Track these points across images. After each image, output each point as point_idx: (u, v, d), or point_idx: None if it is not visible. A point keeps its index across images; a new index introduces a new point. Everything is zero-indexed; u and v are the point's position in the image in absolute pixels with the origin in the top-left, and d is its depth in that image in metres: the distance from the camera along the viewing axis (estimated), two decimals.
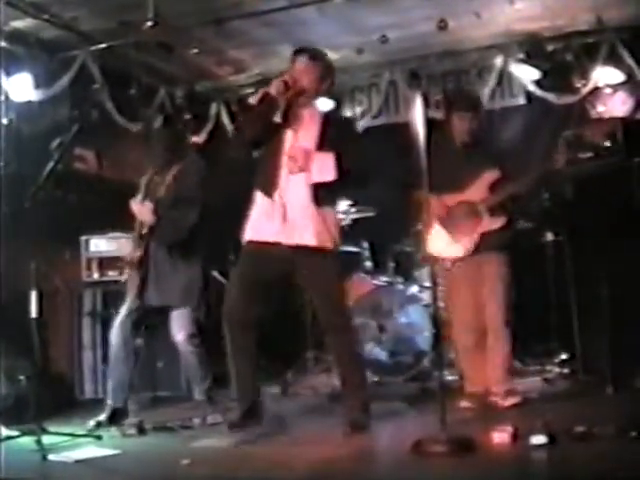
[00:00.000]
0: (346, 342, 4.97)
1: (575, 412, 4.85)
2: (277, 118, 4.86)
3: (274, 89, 4.77)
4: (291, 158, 4.76)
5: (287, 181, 4.78)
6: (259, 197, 4.90)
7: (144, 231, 5.56)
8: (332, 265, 4.94)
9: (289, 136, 4.87)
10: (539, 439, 4.02)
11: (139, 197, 5.61)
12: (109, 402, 5.51)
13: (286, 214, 4.76)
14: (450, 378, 6.19)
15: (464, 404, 5.36)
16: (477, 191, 5.39)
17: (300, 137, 4.85)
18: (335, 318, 4.92)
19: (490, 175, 5.37)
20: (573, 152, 5.49)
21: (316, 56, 5.01)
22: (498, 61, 7.74)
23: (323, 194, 4.81)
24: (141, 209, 5.53)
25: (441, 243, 5.46)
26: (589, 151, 5.60)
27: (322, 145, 4.82)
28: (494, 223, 5.35)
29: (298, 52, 5.02)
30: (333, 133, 4.88)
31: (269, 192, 4.81)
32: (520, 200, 5.48)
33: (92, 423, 5.35)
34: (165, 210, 5.49)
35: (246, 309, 4.84)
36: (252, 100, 4.90)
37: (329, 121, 4.96)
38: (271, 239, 4.80)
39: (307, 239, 4.76)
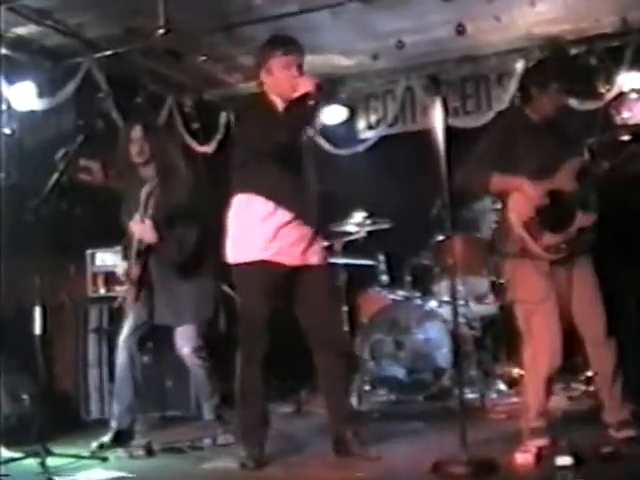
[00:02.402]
0: (342, 365, 4.89)
1: (601, 432, 4.81)
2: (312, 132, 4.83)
3: (315, 90, 4.49)
4: None
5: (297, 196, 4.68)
6: (264, 207, 4.67)
7: (142, 247, 5.53)
8: (331, 279, 4.92)
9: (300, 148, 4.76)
10: (564, 460, 3.99)
11: (137, 215, 5.50)
12: (114, 425, 5.51)
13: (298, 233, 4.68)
14: (471, 396, 6.18)
15: (538, 442, 4.54)
16: (565, 179, 4.70)
17: (304, 149, 4.78)
18: (334, 336, 4.88)
19: (577, 162, 4.73)
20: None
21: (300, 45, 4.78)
22: (519, 66, 7.71)
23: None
24: (142, 229, 5.45)
25: (537, 238, 4.69)
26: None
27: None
28: (587, 219, 4.70)
29: (289, 43, 4.78)
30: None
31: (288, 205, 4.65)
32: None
33: (95, 445, 5.35)
34: (165, 228, 5.46)
35: (266, 340, 4.76)
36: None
37: None
38: (289, 261, 4.67)
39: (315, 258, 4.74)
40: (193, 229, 5.49)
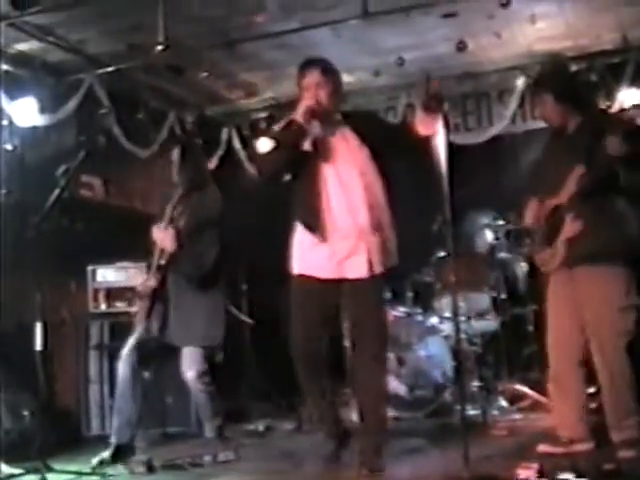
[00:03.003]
0: (377, 375, 4.84)
1: (603, 449, 4.80)
2: (307, 146, 4.71)
3: (300, 115, 4.65)
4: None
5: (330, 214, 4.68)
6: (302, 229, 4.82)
7: (162, 261, 5.54)
8: (379, 290, 4.91)
9: (326, 167, 4.72)
10: (566, 476, 3.98)
11: (163, 224, 5.54)
12: (113, 439, 5.48)
13: (333, 248, 4.68)
14: (472, 413, 6.16)
15: (542, 448, 4.80)
16: (568, 192, 4.73)
17: (340, 167, 4.71)
18: (374, 347, 4.77)
19: (578, 171, 4.67)
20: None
21: (328, 67, 4.84)
22: (519, 83, 7.75)
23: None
24: (164, 236, 5.49)
25: (534, 254, 5.06)
26: None
27: (366, 168, 4.73)
28: (573, 228, 4.68)
29: (308, 65, 4.86)
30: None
31: (314, 229, 4.70)
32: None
33: (95, 461, 5.33)
34: (187, 241, 5.48)
35: (311, 342, 4.78)
36: (275, 128, 4.84)
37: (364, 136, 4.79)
38: (323, 275, 4.72)
39: (360, 272, 4.70)
40: (213, 248, 5.50)
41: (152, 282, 5.55)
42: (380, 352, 4.84)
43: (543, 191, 4.90)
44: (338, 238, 4.66)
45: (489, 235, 7.04)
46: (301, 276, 4.77)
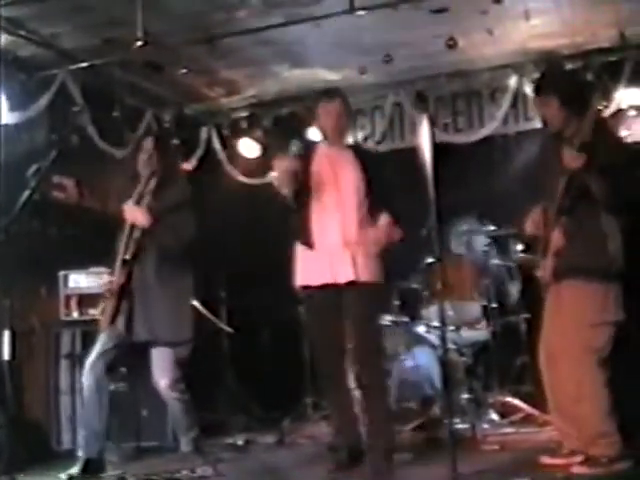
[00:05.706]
0: (370, 383, 5.15)
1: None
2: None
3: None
4: None
5: (321, 226, 5.19)
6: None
7: (128, 256, 5.47)
8: (367, 299, 5.17)
9: (323, 188, 5.23)
10: None
11: (131, 201, 5.49)
12: (81, 453, 5.41)
13: (324, 257, 5.15)
14: (461, 426, 6.16)
15: (543, 459, 4.86)
16: (557, 201, 4.78)
17: (336, 187, 5.23)
18: (362, 355, 5.17)
19: (564, 179, 4.72)
20: None
21: (331, 96, 5.37)
22: (512, 81, 7.77)
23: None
24: (134, 211, 5.44)
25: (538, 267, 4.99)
26: None
27: (361, 185, 5.27)
28: (558, 240, 4.71)
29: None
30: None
31: (304, 241, 5.21)
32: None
33: (64, 477, 5.28)
34: (163, 216, 5.41)
35: (328, 349, 5.27)
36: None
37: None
38: (319, 282, 5.17)
39: (347, 276, 5.11)
40: (191, 220, 5.50)
41: (120, 279, 5.50)
42: (367, 360, 5.17)
43: (545, 198, 4.94)
44: (327, 248, 5.14)
45: (479, 241, 7.05)
46: (302, 287, 5.28)
